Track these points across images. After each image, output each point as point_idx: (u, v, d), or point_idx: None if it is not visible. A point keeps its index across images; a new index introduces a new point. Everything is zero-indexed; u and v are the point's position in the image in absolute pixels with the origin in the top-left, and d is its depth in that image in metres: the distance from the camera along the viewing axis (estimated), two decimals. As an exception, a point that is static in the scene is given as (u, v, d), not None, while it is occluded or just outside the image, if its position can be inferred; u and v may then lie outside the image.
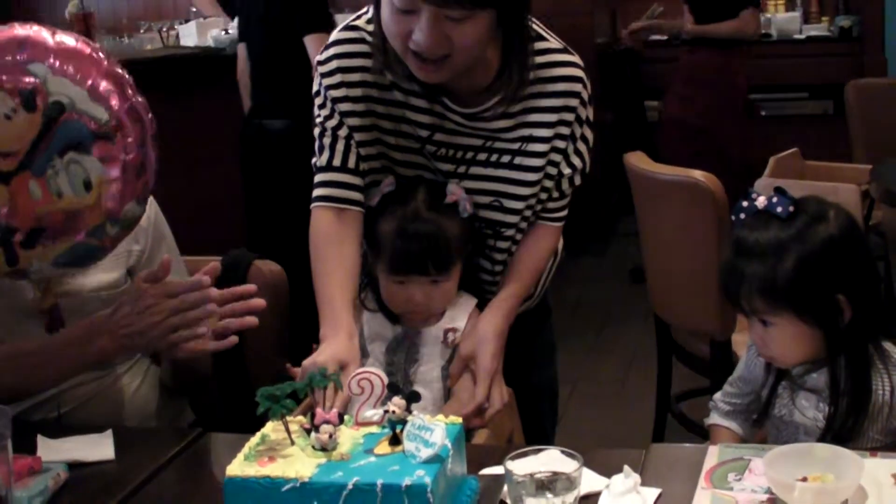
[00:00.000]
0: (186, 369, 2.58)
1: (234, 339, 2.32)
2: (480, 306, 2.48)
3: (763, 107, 7.42)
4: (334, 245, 2.41)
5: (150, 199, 2.56)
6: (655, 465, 2.02)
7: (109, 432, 2.28)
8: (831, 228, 2.19)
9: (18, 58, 2.11)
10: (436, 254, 2.35)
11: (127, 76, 2.22)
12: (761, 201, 2.22)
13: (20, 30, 2.16)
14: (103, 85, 2.14)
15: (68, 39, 2.17)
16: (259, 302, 2.35)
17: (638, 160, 3.81)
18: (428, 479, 1.69)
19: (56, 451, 2.20)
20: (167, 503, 2.07)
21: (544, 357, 2.79)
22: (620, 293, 6.24)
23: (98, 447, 2.22)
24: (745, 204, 2.25)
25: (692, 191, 3.46)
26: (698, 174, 3.46)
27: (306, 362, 2.23)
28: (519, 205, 2.47)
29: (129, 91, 2.19)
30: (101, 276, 2.48)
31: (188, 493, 2.12)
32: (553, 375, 2.81)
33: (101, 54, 2.20)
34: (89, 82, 2.12)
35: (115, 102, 2.14)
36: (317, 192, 2.46)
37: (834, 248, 2.18)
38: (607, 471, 1.94)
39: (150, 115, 2.24)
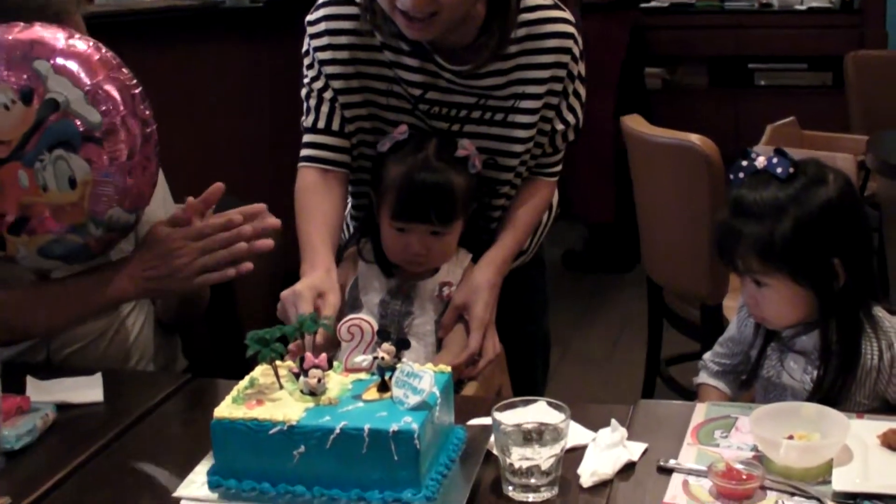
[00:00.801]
0: (189, 303, 2.60)
1: (249, 265, 2.30)
2: (475, 261, 2.48)
3: (761, 77, 7.40)
4: (317, 196, 2.44)
5: None
6: (642, 421, 2.03)
7: (99, 375, 2.28)
8: (830, 192, 2.19)
9: (28, 55, 2.16)
10: (440, 203, 2.35)
11: (136, 87, 2.24)
12: (761, 161, 2.22)
13: (39, 29, 2.20)
14: (104, 89, 2.18)
15: (80, 43, 2.20)
16: (274, 221, 2.33)
17: (634, 123, 3.80)
18: (415, 426, 1.69)
19: (45, 392, 2.20)
20: (156, 445, 2.07)
21: (537, 309, 2.80)
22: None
23: (87, 389, 2.23)
24: (744, 163, 2.25)
25: (687, 154, 3.46)
26: (694, 137, 3.46)
27: (284, 293, 2.24)
28: (513, 161, 2.47)
29: (134, 101, 2.22)
30: None
31: (177, 435, 2.13)
32: (546, 328, 2.83)
33: (113, 61, 2.23)
34: (89, 85, 2.16)
35: (111, 108, 2.18)
36: (303, 152, 2.49)
37: (832, 212, 2.18)
38: (594, 425, 1.94)
39: (151, 129, 2.25)
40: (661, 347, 4.07)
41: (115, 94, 2.18)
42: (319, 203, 2.43)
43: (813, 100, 6.99)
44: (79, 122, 2.16)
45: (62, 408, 2.16)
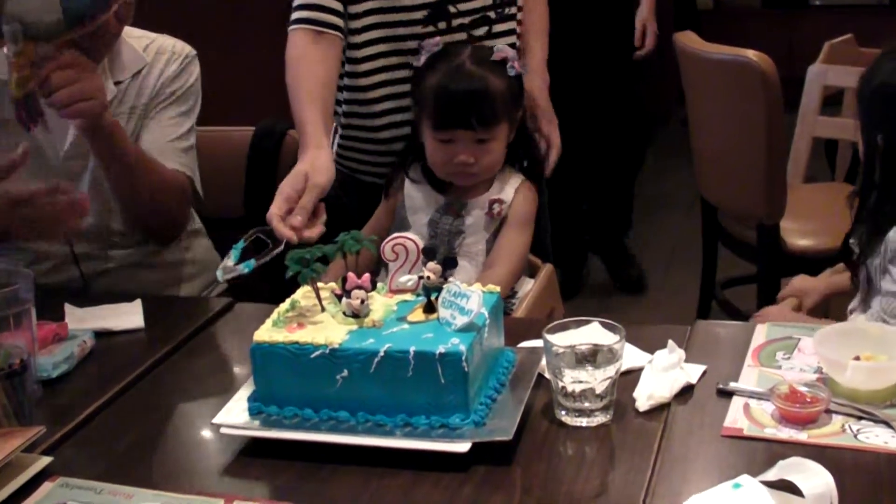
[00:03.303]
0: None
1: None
2: None
3: (818, -4, 7.23)
4: (308, 63, 2.35)
5: (191, 53, 2.53)
6: (700, 343, 1.95)
7: (138, 301, 2.22)
8: None
9: None
10: (480, 107, 2.27)
11: None
12: None
13: None
14: None
15: None
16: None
17: (688, 40, 3.68)
18: (463, 347, 1.62)
19: (83, 319, 2.15)
20: (196, 372, 2.01)
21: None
22: (669, 178, 6.10)
23: (126, 316, 2.17)
24: None
25: (743, 70, 3.34)
26: (751, 53, 3.33)
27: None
28: None
29: None
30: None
31: (218, 361, 2.07)
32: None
33: None
34: None
35: None
36: (294, 14, 2.40)
37: None
38: (650, 347, 1.86)
39: None
40: (716, 270, 3.97)
41: None
42: (311, 70, 2.34)
43: (869, 19, 6.80)
44: None
45: (101, 335, 2.11)
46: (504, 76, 2.32)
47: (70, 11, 2.12)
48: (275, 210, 2.05)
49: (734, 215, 3.80)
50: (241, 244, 1.92)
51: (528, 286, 2.40)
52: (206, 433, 1.74)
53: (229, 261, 1.92)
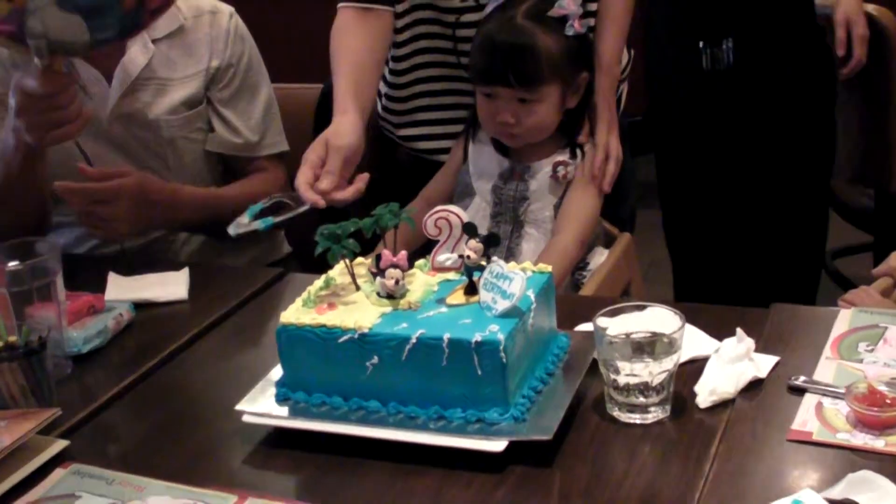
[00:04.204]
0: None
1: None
2: None
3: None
4: (349, 35, 2.24)
5: (231, 11, 2.39)
6: (777, 329, 1.76)
7: (185, 270, 2.12)
8: None
9: None
10: (519, 63, 2.13)
11: None
12: None
13: None
14: None
15: None
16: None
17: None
18: (501, 336, 1.47)
19: (126, 289, 2.06)
20: (233, 350, 1.90)
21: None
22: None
23: (170, 286, 2.07)
24: None
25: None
26: (871, 8, 3.09)
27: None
28: None
29: None
30: (173, 95, 2.33)
31: (256, 339, 1.93)
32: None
33: None
34: None
35: None
36: None
37: None
38: (723, 332, 1.68)
39: None
40: (827, 239, 3.74)
41: None
42: (350, 42, 2.23)
43: None
44: None
45: (143, 306, 2.00)
46: (560, 34, 2.15)
47: (97, 34, 1.99)
48: (301, 178, 1.96)
49: (848, 178, 3.56)
50: (259, 206, 1.84)
51: (601, 258, 2.23)
52: (231, 419, 1.62)
53: (244, 218, 1.85)
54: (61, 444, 1.59)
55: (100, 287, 2.05)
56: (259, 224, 1.82)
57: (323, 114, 2.42)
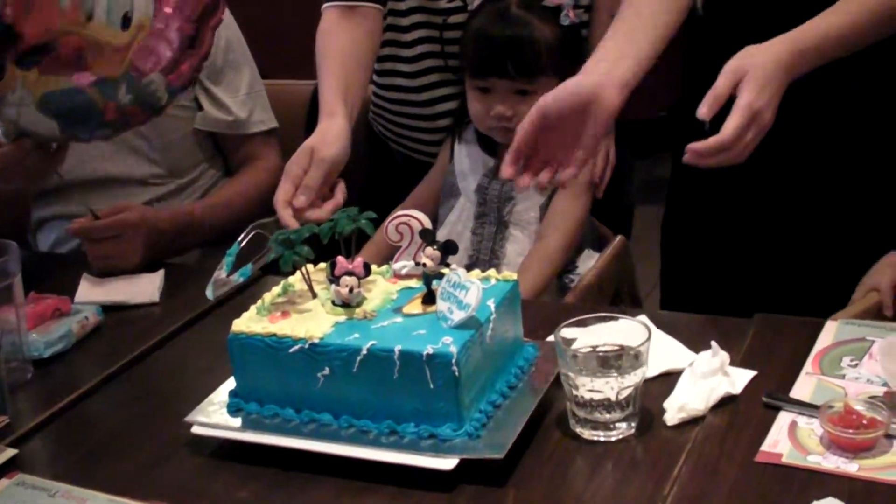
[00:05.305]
0: None
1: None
2: None
3: None
4: (334, 35, 2.16)
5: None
6: (759, 340, 1.68)
7: (161, 272, 2.07)
8: None
9: None
10: (518, 53, 2.08)
11: None
12: None
13: None
14: None
15: None
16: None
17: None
18: (454, 348, 1.40)
19: (97, 291, 2.01)
20: (197, 356, 1.83)
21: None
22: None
23: (142, 288, 2.02)
24: None
25: None
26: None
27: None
28: None
29: None
30: None
31: (222, 343, 1.86)
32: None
33: None
34: None
35: None
36: None
37: None
38: (701, 343, 1.60)
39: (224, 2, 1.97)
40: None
41: None
42: (337, 41, 2.16)
43: None
44: None
45: (114, 309, 1.95)
46: (555, 24, 2.10)
47: (70, 134, 1.95)
48: (280, 195, 1.88)
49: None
50: (235, 249, 1.69)
51: (592, 261, 2.15)
52: (184, 430, 1.55)
53: (221, 272, 1.70)
54: (9, 453, 1.55)
55: (76, 288, 2.00)
56: (238, 278, 1.70)
57: (316, 110, 2.37)
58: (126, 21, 1.82)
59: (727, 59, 1.62)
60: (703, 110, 1.58)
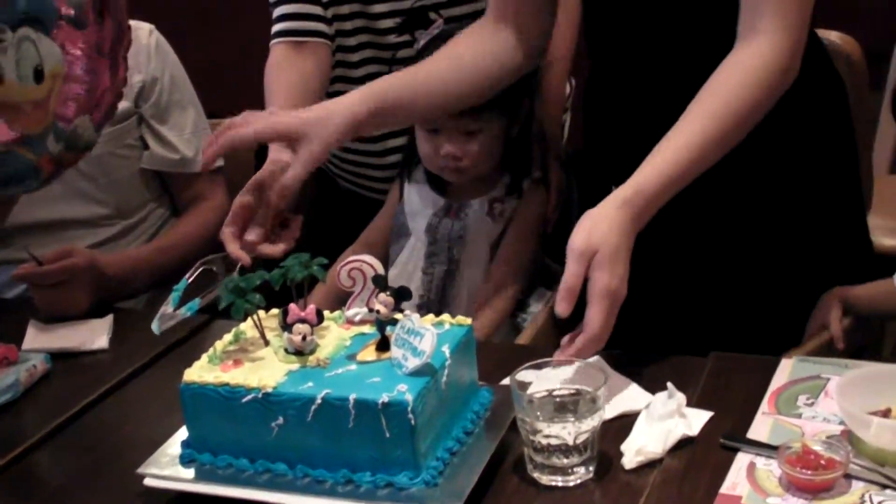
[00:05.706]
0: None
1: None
2: None
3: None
4: (283, 71, 2.17)
5: (151, 28, 2.35)
6: (714, 379, 1.67)
7: (110, 318, 2.04)
8: None
9: None
10: None
11: None
12: None
13: None
14: None
15: None
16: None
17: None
18: (410, 396, 1.38)
19: (44, 338, 1.98)
20: (149, 403, 1.80)
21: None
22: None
23: (91, 334, 1.99)
24: None
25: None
26: (834, 35, 2.99)
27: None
28: None
29: None
30: None
31: (173, 391, 1.82)
32: None
33: None
34: None
35: None
36: (274, 28, 2.24)
37: None
38: (657, 384, 1.59)
39: (126, 26, 1.91)
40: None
41: None
42: (285, 77, 2.16)
43: None
44: None
45: (61, 356, 1.92)
46: None
47: (10, 193, 1.96)
48: (227, 230, 1.81)
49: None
50: (183, 284, 1.66)
51: (544, 300, 2.15)
52: (136, 481, 1.52)
53: (168, 307, 1.65)
54: (-46, 510, 1.52)
55: (22, 334, 1.97)
56: (185, 312, 1.67)
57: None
58: (38, 74, 1.76)
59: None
60: (562, 307, 1.57)
